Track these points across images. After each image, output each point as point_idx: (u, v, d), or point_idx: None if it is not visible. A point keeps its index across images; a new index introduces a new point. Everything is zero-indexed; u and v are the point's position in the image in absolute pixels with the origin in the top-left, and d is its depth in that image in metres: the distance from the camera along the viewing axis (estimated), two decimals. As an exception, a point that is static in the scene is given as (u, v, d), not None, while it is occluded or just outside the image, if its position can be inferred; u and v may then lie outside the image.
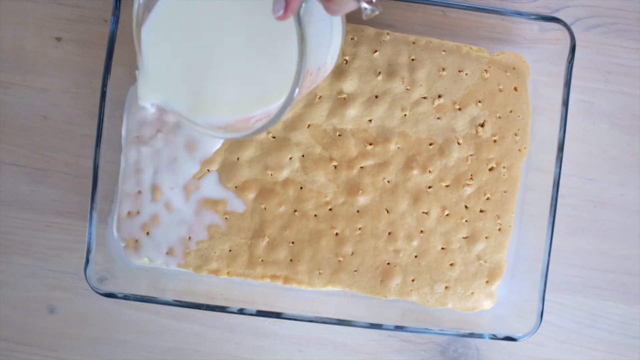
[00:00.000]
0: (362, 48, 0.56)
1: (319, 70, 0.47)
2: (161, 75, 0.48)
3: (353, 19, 0.57)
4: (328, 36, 0.46)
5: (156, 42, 0.48)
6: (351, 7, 0.39)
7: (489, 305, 0.57)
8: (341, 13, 0.40)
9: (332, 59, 0.49)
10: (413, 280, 0.57)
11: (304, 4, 0.40)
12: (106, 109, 0.53)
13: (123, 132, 0.56)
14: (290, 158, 0.56)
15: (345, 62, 0.56)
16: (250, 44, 0.46)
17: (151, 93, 0.49)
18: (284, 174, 0.56)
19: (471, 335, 0.54)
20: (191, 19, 0.47)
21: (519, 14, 0.53)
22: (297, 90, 0.41)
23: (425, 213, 0.56)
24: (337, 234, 0.56)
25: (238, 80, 0.47)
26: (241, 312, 0.53)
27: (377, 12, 0.39)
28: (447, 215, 0.57)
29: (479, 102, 0.56)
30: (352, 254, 0.56)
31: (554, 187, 0.54)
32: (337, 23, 0.47)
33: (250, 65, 0.46)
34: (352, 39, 0.56)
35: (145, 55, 0.48)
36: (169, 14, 0.47)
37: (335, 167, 0.56)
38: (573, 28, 0.56)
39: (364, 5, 0.39)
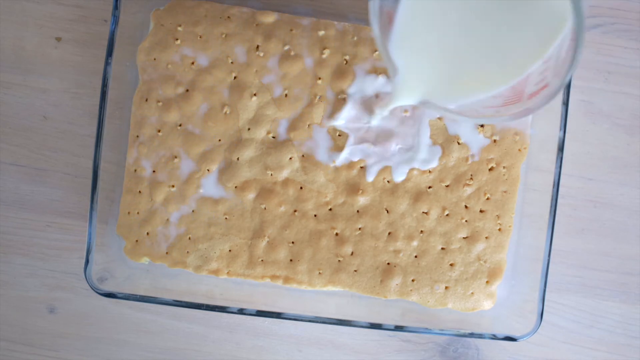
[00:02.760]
0: (362, 48, 0.56)
1: None
2: (414, 74, 0.45)
3: (352, 19, 0.57)
4: None
5: (404, 44, 0.44)
6: None
7: (489, 305, 0.57)
8: None
9: None
10: (413, 280, 0.57)
11: None
12: (106, 109, 0.53)
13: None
14: (290, 158, 0.56)
15: (345, 62, 0.56)
16: (501, 9, 0.41)
17: (408, 96, 0.46)
18: (284, 174, 0.56)
19: (471, 335, 0.54)
20: (435, 11, 0.43)
21: (519, 14, 0.53)
22: (583, 38, 0.35)
23: (425, 213, 0.56)
24: (337, 234, 0.56)
25: (496, 49, 0.42)
26: (241, 312, 0.53)
27: None
28: (447, 215, 0.57)
29: (479, 102, 0.56)
30: (352, 254, 0.56)
31: (554, 187, 0.54)
32: None
33: (506, 27, 0.41)
34: (352, 39, 0.56)
35: (396, 59, 0.44)
36: (413, 13, 0.43)
37: (336, 167, 0.56)
38: (573, 28, 0.56)
39: None
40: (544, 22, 0.38)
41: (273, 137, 0.56)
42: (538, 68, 0.42)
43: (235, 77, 0.56)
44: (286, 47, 0.56)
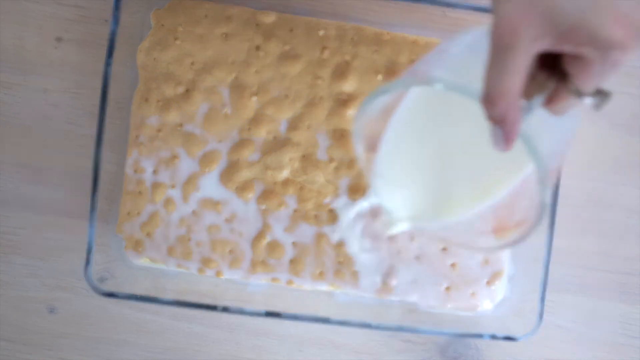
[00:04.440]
0: (362, 48, 0.56)
1: (560, 164, 0.42)
2: (403, 205, 0.48)
3: (352, 18, 0.57)
4: (564, 130, 0.41)
5: (389, 170, 0.47)
6: (574, 103, 0.34)
7: (489, 305, 0.57)
8: (565, 112, 0.35)
9: (570, 143, 0.43)
10: (413, 281, 0.57)
11: (525, 122, 0.33)
12: (106, 109, 0.53)
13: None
14: (290, 158, 0.56)
15: (345, 62, 0.56)
16: (482, 144, 0.41)
17: (400, 225, 0.48)
18: (284, 174, 0.56)
19: (471, 335, 0.54)
20: (416, 139, 0.46)
21: (519, 14, 0.53)
22: (545, 207, 0.37)
23: (426, 213, 0.56)
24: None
25: (475, 169, 0.45)
26: (241, 312, 0.53)
27: (607, 101, 0.33)
28: (447, 215, 0.57)
29: (479, 102, 0.56)
30: (353, 254, 0.56)
31: (553, 187, 0.53)
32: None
33: (484, 148, 0.41)
34: (352, 39, 0.56)
35: (384, 196, 0.47)
36: (396, 142, 0.46)
37: (336, 167, 0.56)
38: (573, 28, 0.56)
39: (589, 100, 0.33)
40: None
41: (273, 137, 0.56)
42: (520, 190, 0.43)
43: (235, 77, 0.56)
44: (286, 47, 0.56)
